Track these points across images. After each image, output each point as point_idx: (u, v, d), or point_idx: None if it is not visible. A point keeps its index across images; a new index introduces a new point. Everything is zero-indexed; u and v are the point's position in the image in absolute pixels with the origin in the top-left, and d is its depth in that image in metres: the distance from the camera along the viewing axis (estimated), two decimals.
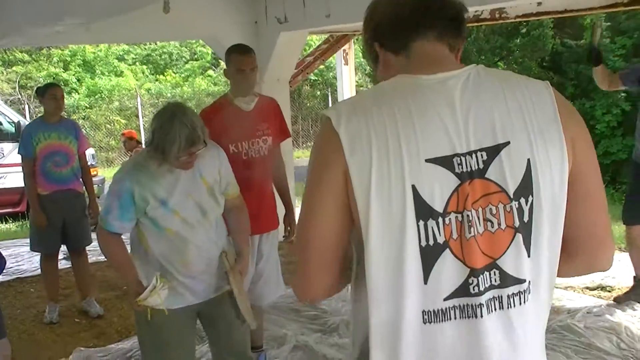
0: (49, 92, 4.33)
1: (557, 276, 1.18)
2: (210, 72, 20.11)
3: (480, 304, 1.10)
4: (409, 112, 1.09)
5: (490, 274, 1.11)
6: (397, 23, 1.19)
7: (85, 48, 18.71)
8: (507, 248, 1.11)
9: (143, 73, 19.85)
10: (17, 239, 7.19)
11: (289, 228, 3.41)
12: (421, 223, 1.07)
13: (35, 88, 5.41)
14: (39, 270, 4.73)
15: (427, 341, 1.11)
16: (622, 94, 10.47)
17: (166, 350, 2.49)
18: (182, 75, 20.04)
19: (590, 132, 1.22)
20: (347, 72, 8.71)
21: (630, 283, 4.25)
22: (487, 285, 1.11)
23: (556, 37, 11.87)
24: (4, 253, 2.28)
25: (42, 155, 4.26)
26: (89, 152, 7.30)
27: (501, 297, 1.12)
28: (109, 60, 19.61)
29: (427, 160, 1.08)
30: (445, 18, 1.19)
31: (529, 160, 1.10)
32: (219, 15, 5.70)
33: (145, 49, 20.53)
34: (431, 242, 1.08)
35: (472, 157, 1.09)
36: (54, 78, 16.97)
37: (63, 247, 4.55)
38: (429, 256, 1.09)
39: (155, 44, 19.98)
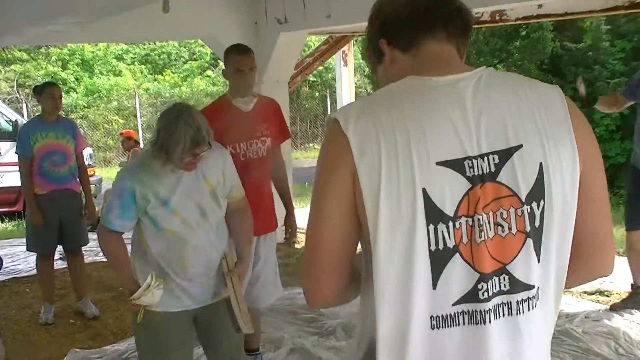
0: (47, 91, 4.30)
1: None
2: (209, 72, 20.10)
3: (488, 310, 1.09)
4: (418, 114, 1.08)
5: (499, 279, 1.09)
6: (411, 20, 1.17)
7: (84, 47, 18.69)
8: (518, 253, 1.09)
9: (142, 73, 19.83)
10: (13, 238, 7.16)
11: (289, 230, 3.38)
12: (431, 227, 1.06)
13: (33, 87, 5.39)
14: (35, 270, 4.71)
15: (435, 347, 1.09)
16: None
17: (163, 353, 2.47)
18: (181, 75, 20.03)
19: None
20: (346, 74, 8.71)
21: (628, 288, 4.24)
22: (495, 291, 1.09)
23: (556, 39, 11.88)
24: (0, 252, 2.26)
25: (40, 155, 4.23)
26: (87, 151, 7.28)
27: (510, 303, 1.10)
28: (107, 60, 19.59)
29: (437, 163, 1.06)
30: (458, 19, 1.18)
31: (541, 163, 1.08)
32: (218, 15, 5.68)
33: (144, 48, 20.51)
34: (441, 247, 1.06)
35: (483, 160, 1.07)
36: (52, 77, 16.94)
37: (59, 247, 4.52)
38: (439, 261, 1.07)
39: (154, 43, 19.96)
